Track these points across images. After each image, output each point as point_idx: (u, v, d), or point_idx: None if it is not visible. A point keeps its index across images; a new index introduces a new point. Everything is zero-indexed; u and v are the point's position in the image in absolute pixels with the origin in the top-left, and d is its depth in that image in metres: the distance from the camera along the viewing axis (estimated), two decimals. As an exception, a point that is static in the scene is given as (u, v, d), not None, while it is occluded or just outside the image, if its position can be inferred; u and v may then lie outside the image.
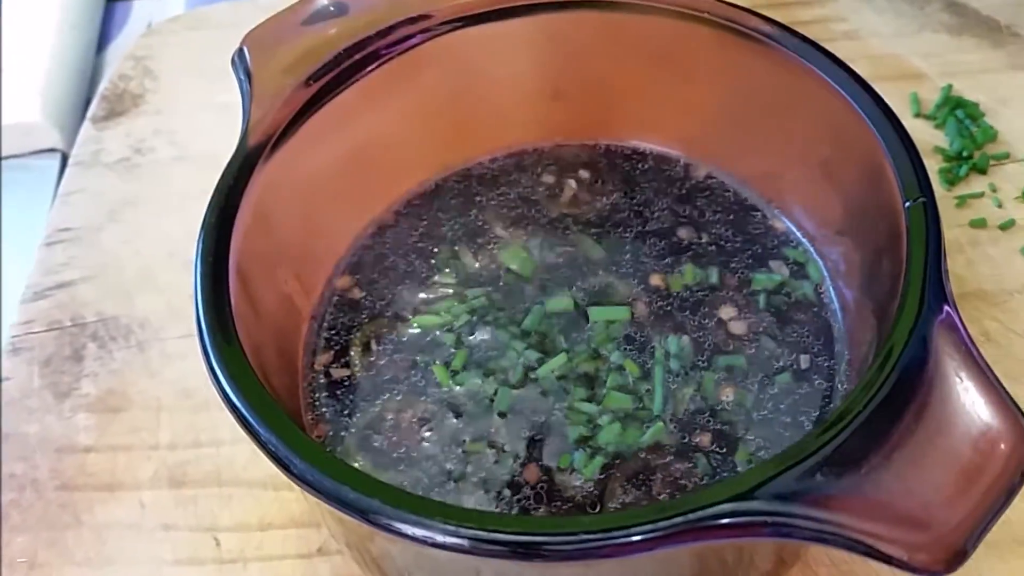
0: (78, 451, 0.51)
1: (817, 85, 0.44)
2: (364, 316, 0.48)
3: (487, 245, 0.50)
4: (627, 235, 0.50)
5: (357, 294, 0.49)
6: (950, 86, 0.62)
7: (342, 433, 0.44)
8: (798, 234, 0.49)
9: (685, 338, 0.46)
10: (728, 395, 0.44)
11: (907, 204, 0.38)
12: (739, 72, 0.47)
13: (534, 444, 0.43)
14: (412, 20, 0.47)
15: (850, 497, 0.31)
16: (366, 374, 0.46)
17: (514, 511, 0.41)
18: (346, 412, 0.45)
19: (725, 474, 0.42)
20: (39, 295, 0.58)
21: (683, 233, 0.50)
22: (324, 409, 0.45)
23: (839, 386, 0.44)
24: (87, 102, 0.72)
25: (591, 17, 0.49)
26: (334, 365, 0.47)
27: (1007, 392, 0.33)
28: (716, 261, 0.49)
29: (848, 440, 0.32)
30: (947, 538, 0.30)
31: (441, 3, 0.47)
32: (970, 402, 0.32)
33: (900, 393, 0.33)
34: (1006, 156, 0.59)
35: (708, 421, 0.43)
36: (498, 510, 0.41)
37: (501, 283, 0.49)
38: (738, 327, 0.46)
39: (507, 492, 0.42)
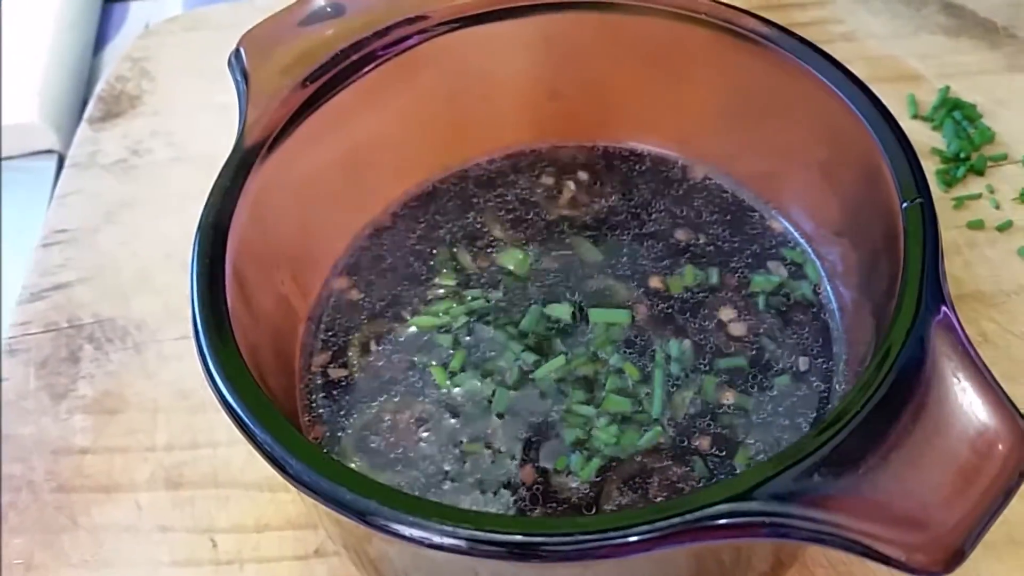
0: (74, 453, 0.51)
1: (815, 86, 0.44)
2: (361, 317, 0.48)
3: (485, 246, 0.50)
4: (624, 237, 0.50)
5: (354, 295, 0.49)
6: (947, 87, 0.62)
7: (339, 434, 0.44)
8: (796, 235, 0.49)
9: (687, 342, 0.46)
10: (727, 399, 0.44)
11: (904, 204, 0.38)
12: (737, 73, 0.47)
13: (531, 446, 0.43)
14: (409, 21, 0.47)
15: (848, 497, 0.31)
16: (363, 375, 0.46)
17: (510, 512, 0.41)
18: (343, 413, 0.45)
19: (722, 477, 0.42)
20: (36, 296, 0.58)
21: (681, 235, 0.50)
22: (321, 410, 0.45)
23: (837, 387, 0.44)
24: (84, 103, 0.72)
25: (589, 18, 0.49)
26: (331, 366, 0.46)
27: (1005, 392, 0.33)
28: (715, 262, 0.49)
29: (846, 440, 0.32)
30: (945, 538, 0.30)
31: (438, 4, 0.47)
32: (968, 402, 0.32)
33: (898, 393, 0.33)
34: (1004, 157, 0.59)
35: (707, 425, 0.43)
36: (493, 511, 0.41)
37: (499, 284, 0.49)
38: (737, 329, 0.46)
39: (503, 493, 0.42)
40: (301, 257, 0.48)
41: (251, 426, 0.34)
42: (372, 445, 0.44)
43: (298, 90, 0.44)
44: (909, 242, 0.37)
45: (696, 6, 0.46)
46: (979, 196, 0.58)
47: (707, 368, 0.45)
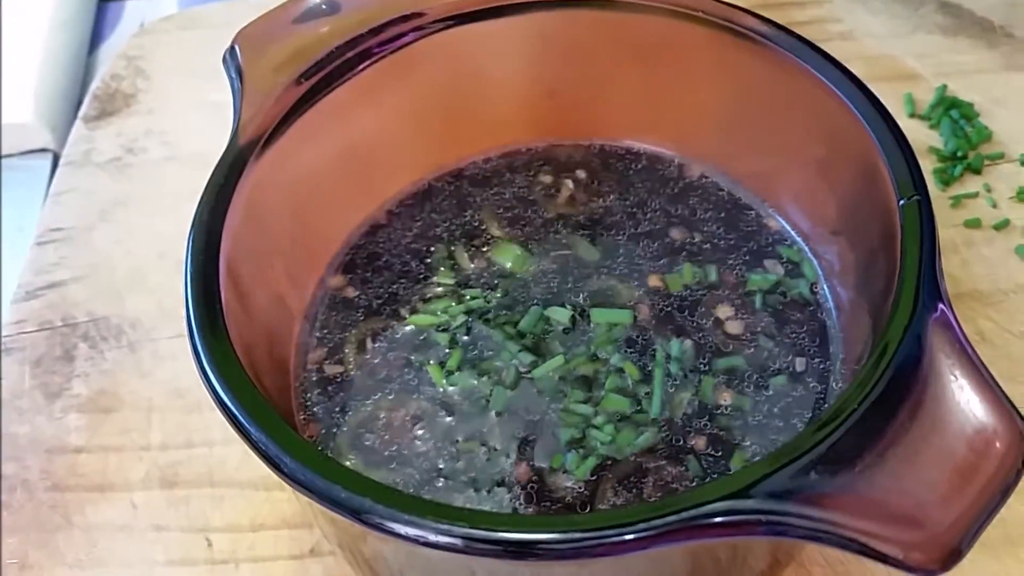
0: (69, 452, 0.51)
1: (812, 85, 0.44)
2: (357, 315, 0.48)
3: (481, 245, 0.50)
4: (622, 236, 0.50)
5: (350, 293, 0.49)
6: (944, 86, 0.62)
7: (334, 432, 0.44)
8: (793, 233, 0.49)
9: (687, 341, 0.45)
10: (725, 398, 0.44)
11: (902, 202, 0.38)
12: (734, 72, 0.47)
13: (527, 444, 0.43)
14: (404, 18, 0.47)
15: (845, 495, 0.31)
16: (359, 373, 0.46)
17: (504, 511, 0.41)
18: (338, 411, 0.45)
19: (717, 476, 0.42)
20: (30, 295, 0.58)
21: (678, 233, 0.50)
22: (316, 409, 0.45)
23: (834, 385, 0.44)
24: (79, 102, 0.72)
25: (585, 16, 0.49)
26: (327, 364, 0.46)
27: (1002, 391, 0.33)
28: (712, 260, 0.48)
29: (843, 438, 0.32)
30: (942, 537, 0.30)
31: (433, 1, 0.47)
32: (965, 400, 0.32)
33: (895, 391, 0.33)
34: (1000, 156, 0.59)
35: (704, 425, 0.43)
36: (488, 509, 0.41)
37: (497, 283, 0.48)
38: (735, 327, 0.46)
39: (497, 491, 0.42)
40: (296, 255, 0.48)
41: (246, 425, 0.34)
42: (367, 443, 0.43)
43: (293, 88, 0.44)
44: (906, 240, 0.37)
45: (694, 4, 0.46)
46: (976, 195, 0.58)
47: (706, 368, 0.45)
